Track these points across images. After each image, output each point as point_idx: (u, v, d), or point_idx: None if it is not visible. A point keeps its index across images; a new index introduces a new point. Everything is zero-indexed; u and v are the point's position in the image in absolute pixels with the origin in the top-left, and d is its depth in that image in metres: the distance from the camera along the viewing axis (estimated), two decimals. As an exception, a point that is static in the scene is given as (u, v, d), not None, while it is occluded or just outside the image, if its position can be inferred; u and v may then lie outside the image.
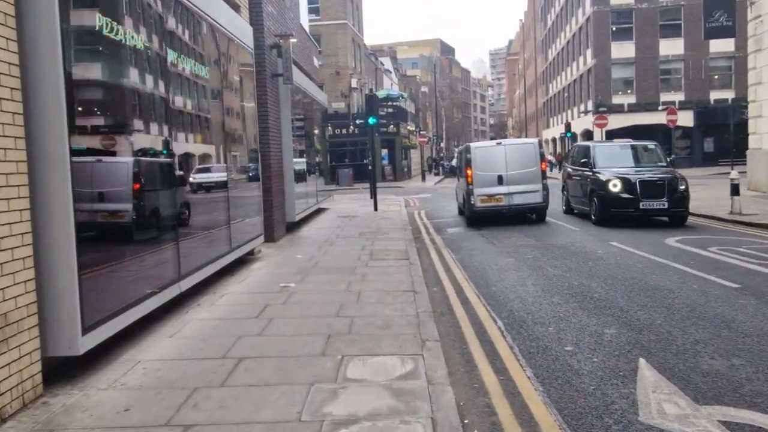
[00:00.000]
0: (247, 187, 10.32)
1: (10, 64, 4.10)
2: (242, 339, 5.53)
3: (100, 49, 5.21)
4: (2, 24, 4.04)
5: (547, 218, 15.45)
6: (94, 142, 5.29)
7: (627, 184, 13.17)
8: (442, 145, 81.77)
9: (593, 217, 14.03)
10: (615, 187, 13.27)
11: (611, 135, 32.64)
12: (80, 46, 4.92)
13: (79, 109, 5.08)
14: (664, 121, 27.07)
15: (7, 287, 3.95)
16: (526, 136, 67.88)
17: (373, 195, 19.67)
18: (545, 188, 14.95)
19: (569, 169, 16.67)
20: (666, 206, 12.94)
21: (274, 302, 6.98)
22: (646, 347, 5.27)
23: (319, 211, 18.80)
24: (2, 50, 4.02)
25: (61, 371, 4.63)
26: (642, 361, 4.89)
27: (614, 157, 14.68)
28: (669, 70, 41.27)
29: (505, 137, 72.42)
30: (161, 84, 6.43)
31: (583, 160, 15.19)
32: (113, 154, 5.58)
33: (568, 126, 41.91)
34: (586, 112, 43.90)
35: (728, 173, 16.10)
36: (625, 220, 13.36)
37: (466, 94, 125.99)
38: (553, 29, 59.65)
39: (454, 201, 19.40)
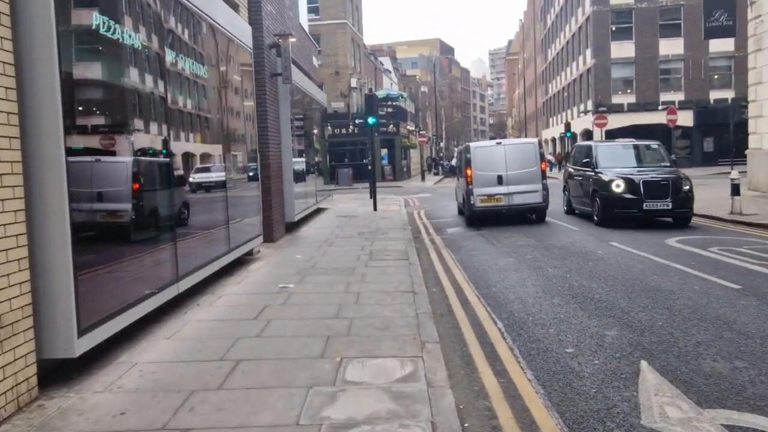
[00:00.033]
0: (246, 186, 10.27)
1: (4, 63, 4.05)
2: (240, 340, 5.49)
3: (97, 48, 5.16)
4: (-3, 22, 4.00)
5: (548, 218, 15.40)
6: (93, 141, 5.24)
7: (630, 184, 12.98)
8: (442, 144, 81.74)
9: (595, 218, 13.86)
10: (618, 187, 13.08)
11: (611, 135, 32.61)
12: (77, 46, 4.88)
13: (79, 108, 5.05)
14: (664, 121, 27.03)
15: (1, 289, 3.91)
16: (526, 136, 67.89)
17: (373, 195, 19.62)
18: (545, 188, 14.89)
19: (571, 169, 16.48)
20: (670, 207, 12.76)
21: (273, 303, 6.94)
22: (648, 349, 5.23)
23: (319, 210, 18.76)
24: (-3, 49, 3.98)
25: (57, 373, 4.58)
26: (644, 364, 4.85)
27: (617, 157, 14.48)
28: (669, 70, 41.24)
29: (504, 137, 72.38)
30: (159, 83, 6.38)
31: (585, 160, 15.00)
32: (112, 153, 5.54)
33: (567, 126, 41.89)
34: (585, 112, 43.87)
35: (728, 173, 16.08)
36: (627, 221, 13.24)
37: (466, 93, 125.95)
38: (552, 29, 59.61)
39: (454, 201, 19.36)
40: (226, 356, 5.05)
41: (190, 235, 7.34)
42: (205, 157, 8.21)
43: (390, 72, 65.26)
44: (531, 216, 15.39)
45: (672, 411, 3.97)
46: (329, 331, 5.70)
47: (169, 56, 6.64)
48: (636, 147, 15.20)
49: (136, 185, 5.92)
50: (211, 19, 8.18)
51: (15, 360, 3.99)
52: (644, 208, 12.80)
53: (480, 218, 15.09)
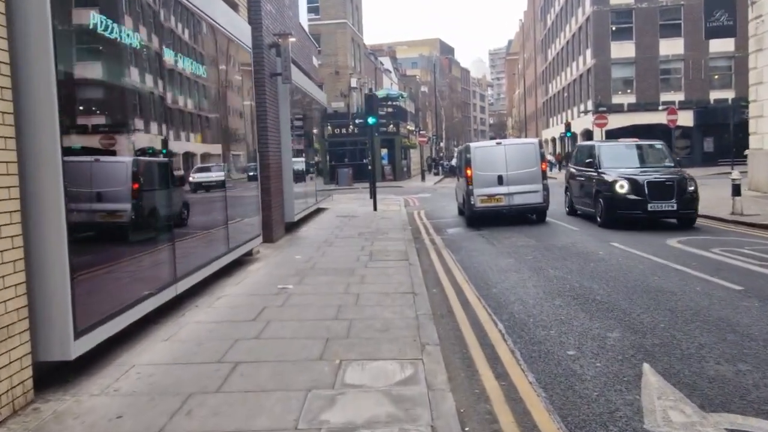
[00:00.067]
0: (246, 186, 10.22)
1: (0, 62, 4.00)
2: (239, 342, 5.44)
3: (95, 47, 5.11)
4: (-8, 21, 3.95)
5: (548, 219, 15.34)
6: (91, 141, 5.20)
7: (634, 185, 12.75)
8: (442, 144, 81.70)
9: (599, 219, 13.64)
10: (622, 188, 12.83)
11: (611, 135, 32.58)
12: (74, 45, 4.83)
13: (80, 108, 5.01)
14: (664, 121, 26.98)
15: (-4, 291, 3.86)
16: (526, 136, 67.87)
17: (373, 195, 19.58)
18: (545, 188, 14.83)
19: (573, 170, 16.23)
20: (675, 208, 12.53)
21: (272, 304, 6.89)
22: (650, 351, 5.18)
23: (319, 211, 18.71)
24: (-8, 48, 3.93)
25: (54, 376, 4.53)
26: (646, 366, 4.80)
27: (620, 157, 14.28)
28: (669, 70, 41.19)
29: (504, 137, 72.40)
30: (159, 83, 6.33)
31: (587, 160, 14.79)
32: (112, 153, 5.49)
33: (567, 126, 41.88)
34: (585, 112, 43.82)
35: (728, 173, 16.01)
36: (631, 223, 13.04)
37: (466, 93, 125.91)
38: (552, 29, 59.56)
39: (454, 201, 19.31)
40: (224, 358, 5.00)
41: (189, 235, 7.29)
42: (204, 156, 8.16)
43: (390, 72, 65.21)
44: (531, 216, 15.34)
45: (675, 415, 3.92)
46: (328, 332, 5.65)
47: (169, 56, 6.59)
48: (639, 147, 15.01)
49: (136, 185, 5.87)
50: (211, 18, 8.13)
51: (10, 363, 3.94)
52: (649, 209, 12.57)
53: (480, 218, 15.04)
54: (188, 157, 7.50)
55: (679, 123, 30.41)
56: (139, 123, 6.01)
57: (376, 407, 3.92)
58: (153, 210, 6.25)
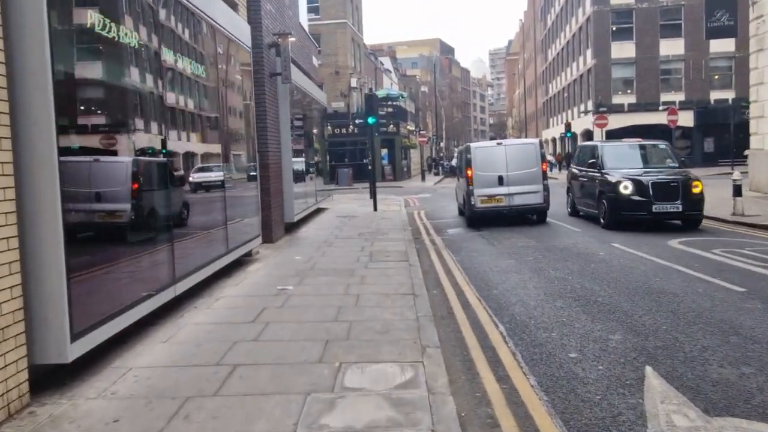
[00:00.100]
0: (245, 186, 10.18)
1: (-4, 61, 3.96)
2: (238, 344, 5.39)
3: (94, 47, 5.06)
4: (-12, 20, 3.90)
5: (549, 219, 15.28)
6: (90, 141, 5.16)
7: (639, 185, 12.52)
8: (442, 144, 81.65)
9: (602, 221, 13.43)
10: (626, 189, 12.61)
11: (611, 135, 32.53)
12: (73, 45, 4.78)
13: (79, 108, 4.96)
14: (665, 121, 26.93)
15: (-8, 293, 3.81)
16: (526, 136, 67.82)
17: (373, 195, 19.53)
18: (546, 189, 14.77)
19: (575, 170, 16.02)
20: (680, 209, 12.31)
21: (271, 306, 6.84)
22: (653, 354, 5.13)
23: (319, 211, 18.66)
24: (-12, 47, 3.89)
25: (50, 379, 4.48)
26: (649, 369, 4.75)
27: (623, 158, 14.06)
28: (669, 70, 41.14)
29: (504, 137, 72.38)
30: (158, 82, 6.28)
31: (590, 161, 14.58)
32: (111, 153, 5.45)
33: (568, 126, 41.83)
34: (586, 112, 43.77)
35: (728, 174, 15.97)
36: (633, 224, 12.85)
37: (466, 93, 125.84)
38: (553, 29, 59.51)
39: (454, 201, 19.27)
40: (222, 361, 4.96)
41: (188, 235, 7.25)
42: (204, 156, 8.11)
43: (390, 72, 65.15)
44: (532, 217, 15.29)
45: (679, 419, 3.87)
46: (328, 334, 5.60)
47: (167, 55, 6.54)
48: (643, 147, 14.79)
49: (135, 185, 5.83)
50: (211, 18, 8.08)
51: (6, 366, 3.90)
52: (653, 210, 12.34)
53: (480, 219, 15.00)
54: (188, 157, 7.46)
55: (680, 123, 30.38)
56: (138, 123, 5.97)
57: (376, 411, 3.87)
58: (152, 210, 6.21)
